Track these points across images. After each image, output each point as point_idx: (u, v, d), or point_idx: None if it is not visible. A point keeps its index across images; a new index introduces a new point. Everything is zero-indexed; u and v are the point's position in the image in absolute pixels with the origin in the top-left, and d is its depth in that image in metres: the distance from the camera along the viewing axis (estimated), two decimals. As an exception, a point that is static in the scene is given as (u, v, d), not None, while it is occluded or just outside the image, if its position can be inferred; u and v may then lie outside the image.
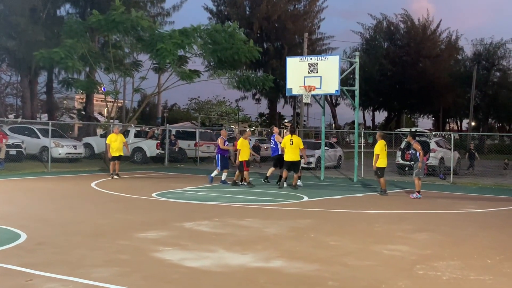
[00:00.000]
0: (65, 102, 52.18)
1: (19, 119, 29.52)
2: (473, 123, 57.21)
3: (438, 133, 29.13)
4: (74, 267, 6.08)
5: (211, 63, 24.96)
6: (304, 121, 46.35)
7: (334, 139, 30.39)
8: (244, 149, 15.96)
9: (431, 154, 21.49)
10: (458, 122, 72.58)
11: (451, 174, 19.85)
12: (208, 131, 30.97)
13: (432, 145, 21.96)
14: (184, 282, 5.69)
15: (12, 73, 37.68)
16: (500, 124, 69.73)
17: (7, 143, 20.42)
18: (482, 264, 6.76)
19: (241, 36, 23.19)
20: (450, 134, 23.01)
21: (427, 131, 26.63)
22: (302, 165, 22.56)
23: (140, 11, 23.39)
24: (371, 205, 12.44)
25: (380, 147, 14.24)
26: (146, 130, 27.59)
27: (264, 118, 64.28)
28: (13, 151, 21.07)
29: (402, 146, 22.27)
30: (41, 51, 22.03)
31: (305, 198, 13.50)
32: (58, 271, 5.83)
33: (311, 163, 23.03)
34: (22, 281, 5.48)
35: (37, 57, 22.34)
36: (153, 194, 13.25)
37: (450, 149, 21.53)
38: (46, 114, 37.10)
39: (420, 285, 5.74)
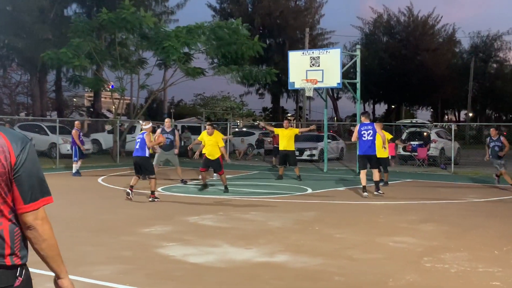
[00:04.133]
0: (75, 100, 52.62)
1: (30, 117, 29.99)
2: (470, 114, 57.40)
3: (439, 124, 29.07)
4: (76, 264, 5.97)
5: (215, 60, 25.13)
6: (307, 114, 46.61)
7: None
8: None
9: (432, 144, 21.59)
10: (456, 113, 72.88)
11: (452, 164, 19.83)
12: (214, 125, 31.01)
13: (433, 135, 22.05)
14: (187, 279, 5.60)
15: (22, 72, 38.21)
16: (497, 114, 70.41)
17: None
18: (489, 255, 6.67)
19: (244, 32, 23.28)
20: (450, 125, 22.99)
21: (428, 122, 26.56)
22: (305, 157, 22.57)
23: (149, 12, 23.79)
24: (374, 196, 12.34)
25: None
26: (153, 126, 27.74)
27: (268, 112, 64.73)
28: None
29: (403, 137, 22.37)
30: (48, 52, 22.44)
31: (309, 190, 13.42)
32: (60, 269, 5.73)
33: (314, 155, 23.32)
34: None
35: (45, 58, 22.68)
36: (159, 189, 13.12)
37: (450, 140, 21.54)
38: (56, 112, 37.65)
39: (428, 278, 5.62)
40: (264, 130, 25.31)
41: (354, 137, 12.59)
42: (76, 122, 17.86)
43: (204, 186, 12.98)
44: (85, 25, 22.92)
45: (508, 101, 58.45)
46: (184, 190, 13.28)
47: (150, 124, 11.93)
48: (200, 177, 14.06)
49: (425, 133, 22.53)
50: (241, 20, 24.09)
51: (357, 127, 12.52)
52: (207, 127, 13.03)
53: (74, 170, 16.84)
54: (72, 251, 6.63)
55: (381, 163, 13.57)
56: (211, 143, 12.57)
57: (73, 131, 17.08)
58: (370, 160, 12.49)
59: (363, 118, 12.71)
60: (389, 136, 14.72)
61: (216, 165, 12.91)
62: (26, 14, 26.66)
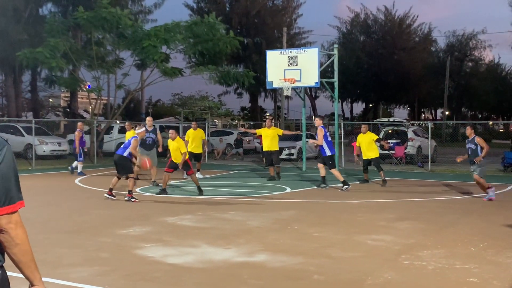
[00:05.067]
0: (51, 100, 51.85)
1: (5, 118, 29.72)
2: (447, 112, 58.24)
3: (416, 122, 29.42)
4: (52, 267, 5.88)
5: (193, 59, 25.11)
6: (285, 114, 46.80)
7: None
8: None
9: (409, 143, 21.84)
10: (433, 112, 73.91)
11: (429, 162, 20.08)
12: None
13: (410, 134, 22.30)
14: (166, 280, 5.54)
15: (-3, 73, 37.57)
16: (473, 113, 71.66)
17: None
18: (466, 252, 6.76)
19: (220, 26, 23.35)
20: (427, 123, 23.27)
21: (405, 120, 26.86)
22: (283, 156, 22.52)
23: (127, 9, 23.73)
24: (352, 194, 12.43)
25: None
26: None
27: (246, 111, 64.74)
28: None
29: (381, 136, 22.53)
30: (24, 51, 22.16)
31: (288, 189, 13.45)
32: (36, 272, 5.63)
33: (292, 154, 23.41)
34: (-2, 284, 5.26)
35: (20, 57, 22.46)
36: (137, 189, 13.00)
37: (427, 138, 21.81)
38: (32, 113, 37.13)
39: (406, 276, 5.67)
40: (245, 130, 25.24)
41: (321, 140, 13.06)
42: (79, 124, 18.13)
43: (163, 191, 12.20)
44: (60, 24, 22.71)
45: (483, 99, 59.52)
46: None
47: (143, 129, 11.96)
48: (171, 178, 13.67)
49: (402, 132, 22.78)
50: (215, 14, 24.11)
51: (323, 131, 13.16)
52: (170, 131, 12.66)
53: (79, 170, 17.08)
54: (49, 253, 6.53)
55: (372, 162, 14.76)
56: (173, 148, 12.31)
57: (76, 132, 17.39)
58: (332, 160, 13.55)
59: (322, 122, 13.61)
60: (374, 136, 14.93)
61: (184, 166, 12.28)
62: (0, 14, 26.31)
